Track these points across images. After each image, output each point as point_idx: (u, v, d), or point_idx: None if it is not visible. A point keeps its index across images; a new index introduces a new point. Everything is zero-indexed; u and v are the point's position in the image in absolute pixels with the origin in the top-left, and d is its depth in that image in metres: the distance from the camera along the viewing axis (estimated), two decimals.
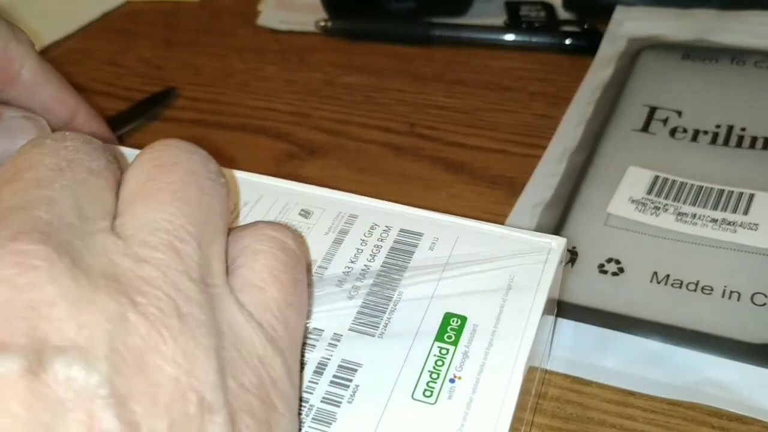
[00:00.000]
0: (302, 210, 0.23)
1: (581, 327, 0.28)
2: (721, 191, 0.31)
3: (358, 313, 0.20)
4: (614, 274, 0.29)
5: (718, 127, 0.35)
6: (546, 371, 0.26)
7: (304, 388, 0.18)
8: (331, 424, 0.18)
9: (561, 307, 0.28)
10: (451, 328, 0.19)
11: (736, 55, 0.39)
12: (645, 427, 0.25)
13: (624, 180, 0.33)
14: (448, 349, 0.19)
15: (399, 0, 0.48)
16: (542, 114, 0.40)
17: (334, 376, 0.19)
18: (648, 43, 0.41)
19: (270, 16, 0.52)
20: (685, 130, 0.35)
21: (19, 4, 0.55)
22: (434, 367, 0.19)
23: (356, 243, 0.22)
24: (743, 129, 0.35)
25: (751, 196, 0.31)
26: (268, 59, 0.48)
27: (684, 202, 0.31)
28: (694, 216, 0.31)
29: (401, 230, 0.22)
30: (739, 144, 0.34)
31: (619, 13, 0.44)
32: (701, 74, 0.38)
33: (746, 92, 0.37)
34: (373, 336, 0.19)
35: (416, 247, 0.22)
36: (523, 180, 0.35)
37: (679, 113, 0.36)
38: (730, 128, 0.35)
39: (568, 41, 0.44)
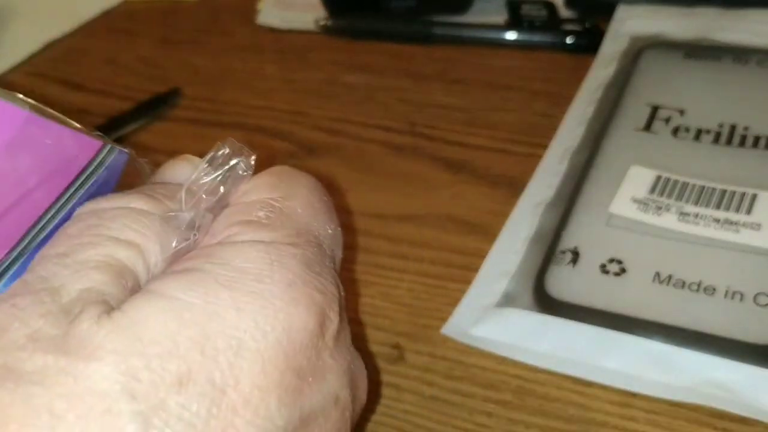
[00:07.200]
0: None
1: (583, 327, 0.27)
2: (724, 191, 0.31)
3: None
4: (616, 274, 0.29)
5: (720, 126, 0.35)
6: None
7: None
8: None
9: (563, 307, 0.28)
10: None
11: (739, 54, 0.39)
12: (647, 428, 0.24)
13: (626, 180, 0.32)
14: None
15: None
16: (544, 113, 0.40)
17: None
18: (650, 42, 0.41)
19: (269, 15, 0.51)
20: (687, 130, 0.35)
21: (19, 2, 0.55)
22: None
23: None
24: (746, 128, 0.34)
25: (754, 196, 0.31)
26: (268, 58, 0.48)
27: (686, 202, 0.31)
28: (696, 216, 0.30)
29: None
30: (742, 143, 0.34)
31: (621, 12, 0.44)
32: (704, 73, 0.38)
33: (749, 91, 0.37)
34: None
35: None
36: (525, 179, 0.35)
37: (682, 112, 0.36)
38: (733, 127, 0.35)
39: (569, 40, 0.44)
